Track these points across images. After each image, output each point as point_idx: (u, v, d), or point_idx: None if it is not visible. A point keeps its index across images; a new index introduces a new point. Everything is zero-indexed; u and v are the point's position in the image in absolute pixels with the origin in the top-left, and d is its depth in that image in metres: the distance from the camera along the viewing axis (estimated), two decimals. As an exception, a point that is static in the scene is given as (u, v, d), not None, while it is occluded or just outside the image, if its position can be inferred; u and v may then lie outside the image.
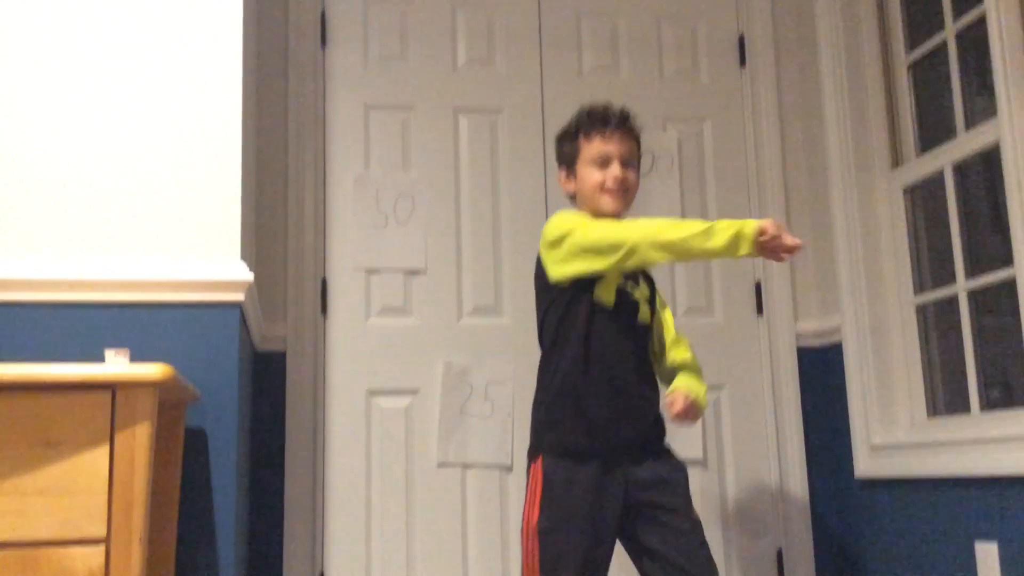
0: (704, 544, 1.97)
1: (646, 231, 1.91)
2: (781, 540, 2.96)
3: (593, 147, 2.07)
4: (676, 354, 2.12)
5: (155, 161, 2.14)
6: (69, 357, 1.96)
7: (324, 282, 2.85)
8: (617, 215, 2.07)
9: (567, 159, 2.13)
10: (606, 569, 1.95)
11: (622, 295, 2.03)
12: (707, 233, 1.85)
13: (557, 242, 2.02)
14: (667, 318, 2.17)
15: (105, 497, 1.56)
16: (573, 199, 2.17)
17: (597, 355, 1.98)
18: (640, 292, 2.09)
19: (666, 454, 2.06)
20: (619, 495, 1.95)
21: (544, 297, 2.08)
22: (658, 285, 2.22)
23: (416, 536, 2.77)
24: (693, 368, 2.10)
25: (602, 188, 2.05)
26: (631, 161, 2.08)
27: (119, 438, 1.57)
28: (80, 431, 1.57)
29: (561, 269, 2.02)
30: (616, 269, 1.98)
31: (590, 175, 2.07)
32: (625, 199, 2.07)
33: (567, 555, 1.88)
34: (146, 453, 1.58)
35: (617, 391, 1.98)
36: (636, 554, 1.98)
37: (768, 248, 1.85)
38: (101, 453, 1.57)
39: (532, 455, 2.02)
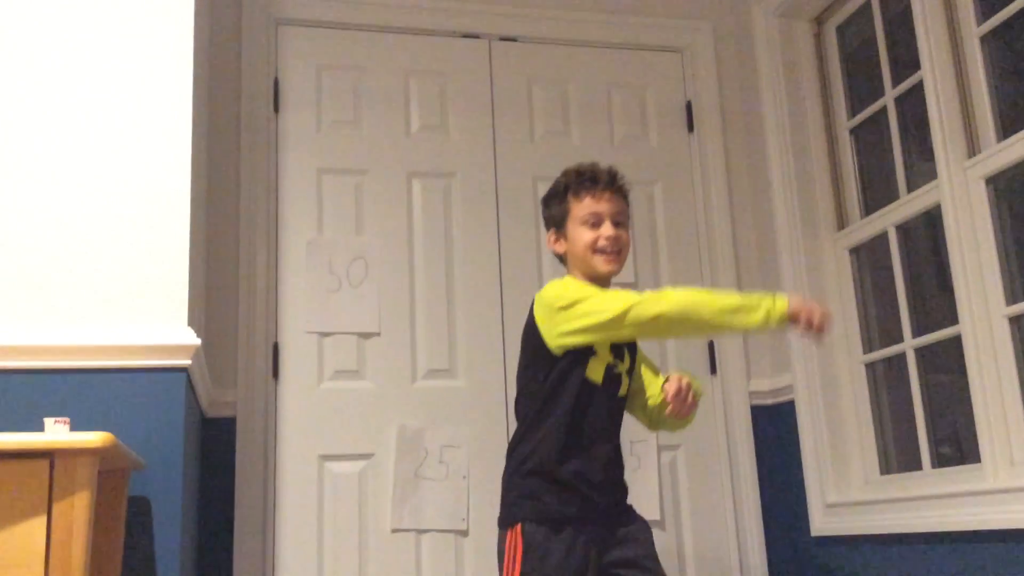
0: None
1: (674, 303, 1.86)
2: (740, 602, 2.94)
3: (584, 206, 2.02)
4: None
5: (100, 223, 2.12)
6: (7, 426, 1.91)
7: (276, 346, 2.82)
8: (612, 275, 2.03)
9: (556, 220, 2.08)
10: None
11: (609, 371, 1.99)
12: (737, 311, 1.83)
13: (566, 308, 1.94)
14: (647, 375, 2.15)
15: (42, 570, 1.51)
16: (563, 261, 2.11)
17: (582, 431, 1.96)
18: (623, 365, 2.05)
19: (631, 514, 2.05)
20: (594, 557, 1.94)
21: (534, 366, 2.01)
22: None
23: (369, 606, 2.70)
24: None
25: (595, 248, 2.00)
26: (622, 220, 2.04)
27: (57, 508, 1.53)
28: (16, 502, 1.52)
29: (566, 339, 1.95)
30: (633, 338, 1.99)
31: (581, 235, 2.01)
32: (619, 259, 2.02)
33: None
34: (85, 524, 1.53)
35: (599, 465, 1.97)
36: None
37: (802, 326, 1.83)
38: (38, 524, 1.52)
39: (508, 523, 1.97)
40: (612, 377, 2.01)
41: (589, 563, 1.93)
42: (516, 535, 1.93)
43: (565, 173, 2.10)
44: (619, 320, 1.88)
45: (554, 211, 2.09)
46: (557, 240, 2.08)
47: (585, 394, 1.96)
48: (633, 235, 3.12)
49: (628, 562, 1.96)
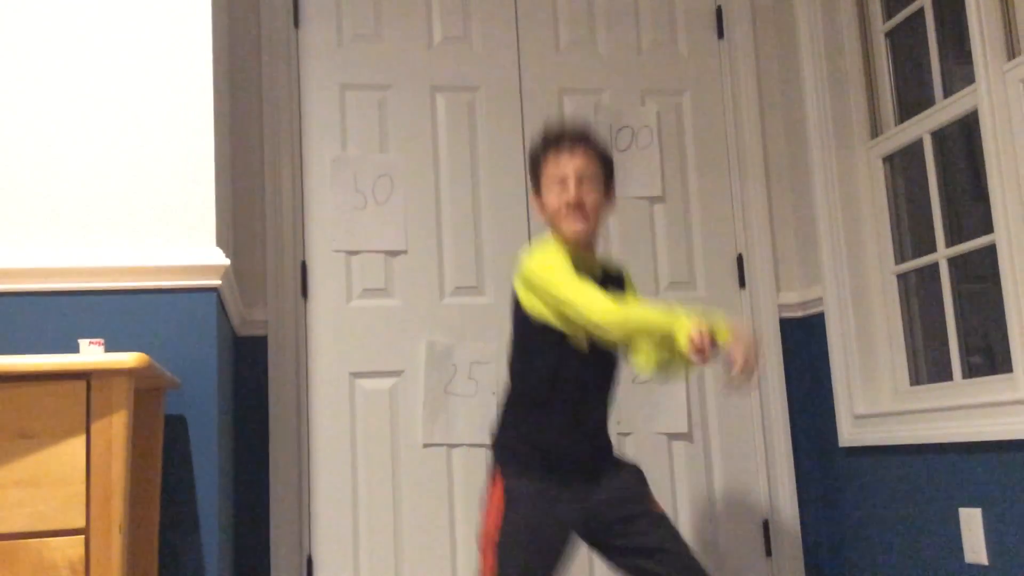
0: (675, 531, 2.02)
1: (616, 318, 1.86)
2: (767, 511, 2.97)
3: (549, 168, 2.03)
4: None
5: (126, 146, 2.11)
6: (43, 347, 1.94)
7: (304, 265, 2.83)
8: (579, 236, 2.01)
9: (535, 183, 2.10)
10: None
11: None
12: (668, 326, 1.84)
13: (535, 288, 1.99)
14: None
15: (83, 487, 1.54)
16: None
17: (562, 389, 2.00)
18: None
19: (617, 466, 2.06)
20: (577, 513, 1.98)
21: (518, 324, 2.07)
22: (638, 266, 2.16)
23: (403, 517, 2.77)
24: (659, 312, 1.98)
25: (559, 211, 2.01)
26: (590, 179, 2.02)
27: (95, 427, 1.55)
28: (55, 422, 1.55)
29: (536, 309, 2.01)
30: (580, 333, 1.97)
31: (550, 197, 2.03)
32: (587, 221, 2.00)
33: (521, 569, 1.92)
34: (123, 442, 1.56)
35: (579, 422, 2.00)
36: (629, 564, 1.98)
37: (696, 352, 1.79)
38: (78, 443, 1.55)
39: (494, 466, 2.05)
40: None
41: (564, 517, 1.97)
42: (499, 484, 2.03)
43: (540, 133, 2.11)
44: (591, 323, 1.89)
45: (532, 175, 2.11)
46: (538, 202, 2.10)
47: (567, 356, 2.00)
48: (661, 147, 3.09)
49: (627, 518, 1.98)
